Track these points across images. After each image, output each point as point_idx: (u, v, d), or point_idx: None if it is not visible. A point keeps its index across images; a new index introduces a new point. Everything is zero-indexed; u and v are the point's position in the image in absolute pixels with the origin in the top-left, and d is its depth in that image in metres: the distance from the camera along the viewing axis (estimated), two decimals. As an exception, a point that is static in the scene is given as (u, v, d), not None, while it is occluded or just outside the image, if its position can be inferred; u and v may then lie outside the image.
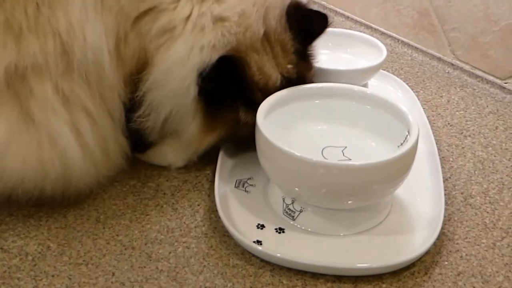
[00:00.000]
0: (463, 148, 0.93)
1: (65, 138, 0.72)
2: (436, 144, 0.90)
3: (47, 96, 0.71)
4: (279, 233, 0.75)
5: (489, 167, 0.89)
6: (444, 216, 0.77)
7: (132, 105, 0.79)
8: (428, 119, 0.96)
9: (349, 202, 0.73)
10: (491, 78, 1.10)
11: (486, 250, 0.75)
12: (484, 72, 1.11)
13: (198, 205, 0.81)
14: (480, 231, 0.78)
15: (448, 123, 0.99)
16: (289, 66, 0.81)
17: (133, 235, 0.76)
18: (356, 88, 0.84)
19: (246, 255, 0.73)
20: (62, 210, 0.79)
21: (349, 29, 1.24)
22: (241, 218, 0.77)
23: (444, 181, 0.82)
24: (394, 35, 1.25)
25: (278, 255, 0.71)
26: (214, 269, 0.71)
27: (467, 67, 1.14)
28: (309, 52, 0.84)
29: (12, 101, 0.70)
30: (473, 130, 0.98)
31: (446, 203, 0.79)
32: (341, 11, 1.35)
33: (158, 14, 0.76)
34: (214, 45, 0.76)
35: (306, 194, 0.74)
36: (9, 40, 0.68)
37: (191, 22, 0.76)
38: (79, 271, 0.71)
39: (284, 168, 0.72)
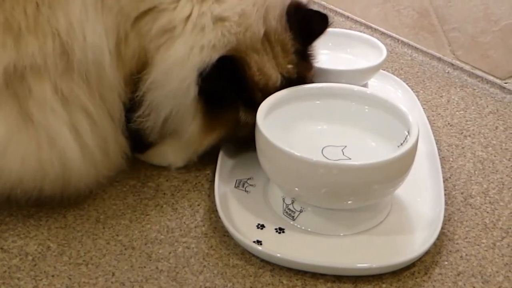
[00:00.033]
0: (463, 148, 0.93)
1: (64, 139, 0.72)
2: (436, 144, 0.89)
3: (46, 96, 0.71)
4: (279, 233, 0.75)
5: (489, 167, 0.89)
6: (444, 216, 0.77)
7: (132, 105, 0.79)
8: (428, 119, 0.96)
9: (349, 202, 0.73)
10: (491, 78, 1.10)
11: (486, 250, 0.75)
12: (484, 72, 1.11)
13: (198, 205, 0.81)
14: (480, 231, 0.78)
15: (448, 123, 0.99)
16: (289, 66, 0.81)
17: (133, 235, 0.76)
18: (356, 88, 0.84)
19: (246, 255, 0.73)
20: (62, 210, 0.79)
21: (349, 29, 1.24)
22: (241, 218, 0.77)
23: (444, 181, 0.82)
24: (394, 35, 1.25)
25: (278, 255, 0.71)
26: (214, 269, 0.71)
27: (467, 67, 1.14)
28: (309, 52, 0.84)
29: (11, 101, 0.70)
30: (473, 130, 0.98)
31: (446, 203, 0.79)
32: (341, 11, 1.35)
33: (158, 14, 0.76)
34: (214, 45, 0.76)
35: (306, 194, 0.74)
36: (8, 40, 0.68)
37: (191, 22, 0.75)
38: (79, 271, 0.71)
39: (284, 168, 0.72)
